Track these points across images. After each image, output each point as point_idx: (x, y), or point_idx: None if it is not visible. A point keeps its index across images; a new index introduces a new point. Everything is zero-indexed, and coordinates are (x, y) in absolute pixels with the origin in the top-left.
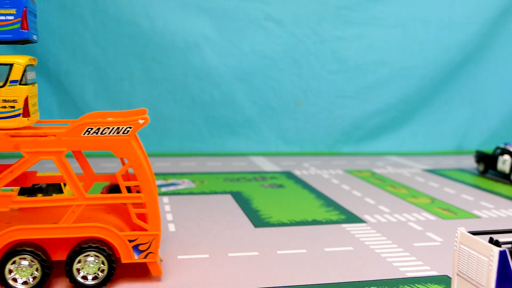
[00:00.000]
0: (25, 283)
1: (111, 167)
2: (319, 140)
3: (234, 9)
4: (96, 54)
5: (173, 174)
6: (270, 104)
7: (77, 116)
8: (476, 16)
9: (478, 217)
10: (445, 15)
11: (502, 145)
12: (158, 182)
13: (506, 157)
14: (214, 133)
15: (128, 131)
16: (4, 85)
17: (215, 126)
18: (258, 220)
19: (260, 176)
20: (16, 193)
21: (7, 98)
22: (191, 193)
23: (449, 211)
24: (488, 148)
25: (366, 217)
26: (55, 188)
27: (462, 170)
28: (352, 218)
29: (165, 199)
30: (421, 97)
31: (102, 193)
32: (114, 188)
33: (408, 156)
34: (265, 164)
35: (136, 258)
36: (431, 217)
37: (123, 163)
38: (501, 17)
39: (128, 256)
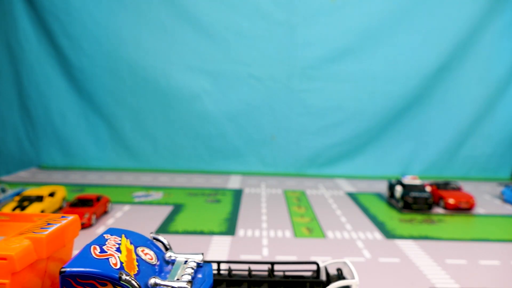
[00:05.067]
0: None
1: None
2: (289, 164)
3: (226, 70)
4: (131, 102)
5: (154, 187)
6: (252, 138)
7: (122, 147)
8: (416, 72)
9: (325, 237)
10: (390, 72)
11: (400, 178)
12: (139, 193)
13: (398, 187)
14: (213, 157)
15: None
16: None
17: (213, 153)
18: (163, 228)
19: (213, 192)
20: None
21: None
22: (151, 203)
23: (308, 230)
24: (427, 175)
25: (239, 230)
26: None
27: (376, 194)
28: (231, 231)
29: (127, 207)
30: (370, 134)
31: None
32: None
33: (357, 180)
34: (233, 182)
35: None
36: (288, 235)
37: None
38: (438, 72)
39: None
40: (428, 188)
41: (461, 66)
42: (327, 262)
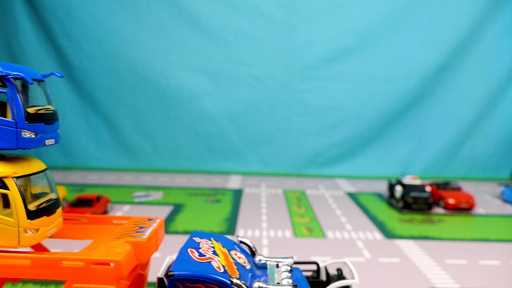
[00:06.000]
0: None
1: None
2: (289, 164)
3: (226, 70)
4: (131, 102)
5: (154, 187)
6: (252, 138)
7: (122, 147)
8: (416, 72)
9: (325, 237)
10: (390, 72)
11: (399, 178)
12: (139, 193)
13: (398, 187)
14: (213, 157)
15: None
16: None
17: (213, 153)
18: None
19: (213, 192)
20: None
21: None
22: (150, 203)
23: (308, 230)
24: (427, 175)
25: (239, 230)
26: None
27: (376, 194)
28: (231, 231)
29: (127, 207)
30: (370, 134)
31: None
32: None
33: (357, 180)
34: (233, 182)
35: None
36: (288, 235)
37: None
38: (438, 72)
39: None
40: (428, 188)
41: (461, 66)
42: (327, 262)
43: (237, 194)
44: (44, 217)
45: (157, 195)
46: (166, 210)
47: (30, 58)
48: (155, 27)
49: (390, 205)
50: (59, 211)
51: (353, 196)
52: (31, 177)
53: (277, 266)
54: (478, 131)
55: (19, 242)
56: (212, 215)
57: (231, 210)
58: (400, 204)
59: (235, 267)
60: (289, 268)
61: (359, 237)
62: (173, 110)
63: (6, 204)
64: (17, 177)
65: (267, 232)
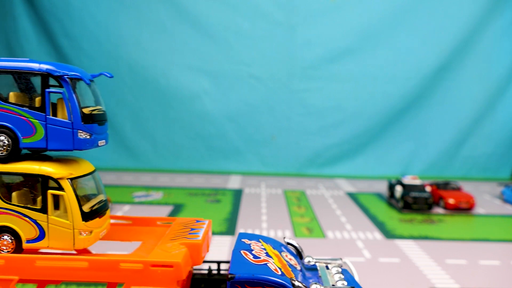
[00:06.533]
0: None
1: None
2: (289, 164)
3: (226, 70)
4: (131, 102)
5: (154, 187)
6: (252, 138)
7: (122, 147)
8: (416, 72)
9: (325, 237)
10: (390, 72)
11: (400, 178)
12: (139, 193)
13: (398, 187)
14: (213, 157)
15: None
16: None
17: (213, 153)
18: None
19: (213, 192)
20: None
21: None
22: (150, 203)
23: (308, 230)
24: (427, 175)
25: (239, 230)
26: None
27: (376, 194)
28: (231, 231)
29: (127, 207)
30: (370, 134)
31: None
32: None
33: (357, 180)
34: (233, 182)
35: None
36: (288, 234)
37: None
38: (438, 72)
39: None
40: (428, 188)
41: (461, 66)
42: None
43: (237, 194)
44: (97, 219)
45: (157, 195)
46: (166, 210)
47: (30, 58)
48: (155, 27)
49: (390, 205)
50: (108, 212)
51: (353, 196)
52: (81, 178)
53: (327, 267)
54: (478, 131)
55: (74, 244)
56: (212, 215)
57: (231, 210)
58: (400, 204)
59: (290, 269)
60: (340, 270)
61: (359, 237)
62: (173, 110)
63: (55, 205)
64: (71, 179)
65: (267, 232)
